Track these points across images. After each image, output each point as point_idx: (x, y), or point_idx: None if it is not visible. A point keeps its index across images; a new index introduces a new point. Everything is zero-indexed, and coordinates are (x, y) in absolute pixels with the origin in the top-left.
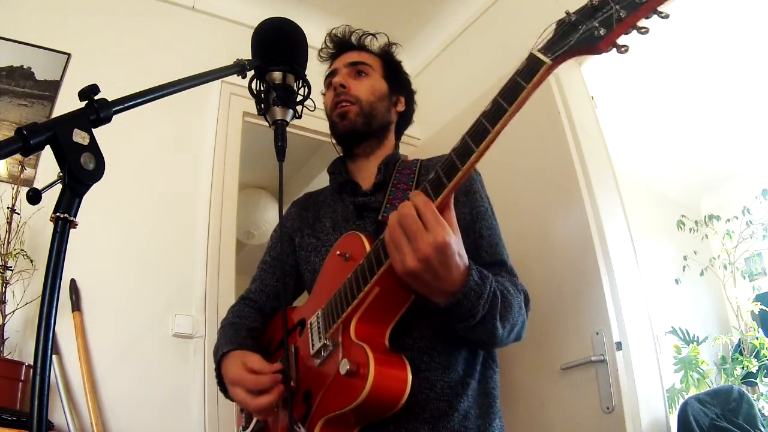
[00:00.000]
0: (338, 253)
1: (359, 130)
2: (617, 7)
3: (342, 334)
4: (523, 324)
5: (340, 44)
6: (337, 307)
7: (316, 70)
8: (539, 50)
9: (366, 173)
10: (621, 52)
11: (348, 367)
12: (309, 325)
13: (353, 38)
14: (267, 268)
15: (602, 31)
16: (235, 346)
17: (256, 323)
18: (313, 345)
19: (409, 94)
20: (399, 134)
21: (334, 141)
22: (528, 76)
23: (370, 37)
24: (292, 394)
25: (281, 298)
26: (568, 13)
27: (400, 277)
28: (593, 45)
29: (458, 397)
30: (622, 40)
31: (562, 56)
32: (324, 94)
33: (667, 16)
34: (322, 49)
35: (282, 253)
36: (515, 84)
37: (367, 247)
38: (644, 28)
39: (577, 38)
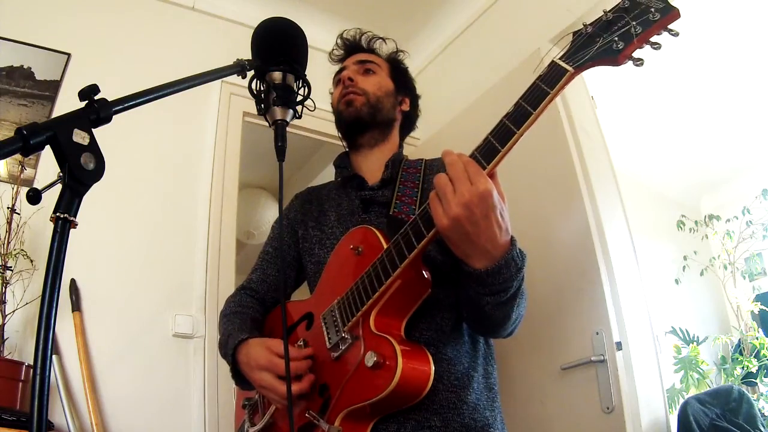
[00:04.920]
0: (351, 247)
1: (364, 118)
2: (634, 23)
3: (362, 327)
4: (520, 322)
5: (350, 46)
6: (356, 300)
7: (319, 74)
8: (560, 59)
9: (371, 168)
10: (636, 65)
11: (375, 359)
12: (321, 319)
13: (363, 40)
14: (269, 258)
15: (621, 45)
16: (249, 335)
17: (257, 314)
18: (329, 338)
19: (414, 98)
20: (403, 136)
21: (339, 135)
22: (551, 82)
23: (380, 40)
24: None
25: (281, 293)
26: (585, 25)
27: (442, 232)
28: (612, 57)
29: (465, 389)
30: (636, 54)
31: (584, 65)
32: (332, 93)
33: (677, 34)
34: (332, 50)
35: (282, 247)
36: (538, 89)
37: (383, 241)
38: (657, 44)
39: (596, 49)
